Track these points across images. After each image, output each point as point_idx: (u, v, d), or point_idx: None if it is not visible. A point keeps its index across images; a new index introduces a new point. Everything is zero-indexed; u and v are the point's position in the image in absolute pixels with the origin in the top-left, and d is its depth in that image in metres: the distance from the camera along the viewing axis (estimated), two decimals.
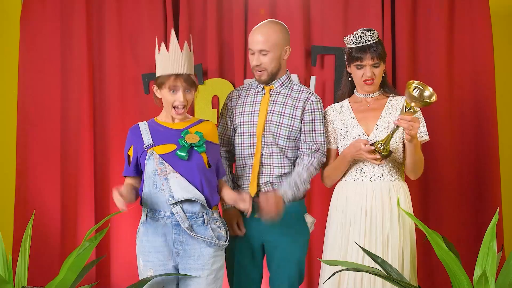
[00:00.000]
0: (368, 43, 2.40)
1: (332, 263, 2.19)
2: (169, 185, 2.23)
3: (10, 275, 2.37)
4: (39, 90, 3.37)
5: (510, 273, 2.06)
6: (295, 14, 3.29)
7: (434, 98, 2.18)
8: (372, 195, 2.39)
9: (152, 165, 2.25)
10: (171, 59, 2.29)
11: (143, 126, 2.34)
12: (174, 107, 2.29)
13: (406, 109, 2.21)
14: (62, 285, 2.18)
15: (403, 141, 2.45)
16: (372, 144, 2.32)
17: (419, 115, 2.41)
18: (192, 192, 2.23)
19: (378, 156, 2.31)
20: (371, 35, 2.40)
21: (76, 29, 3.36)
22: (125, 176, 2.35)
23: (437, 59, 3.25)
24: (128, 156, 2.32)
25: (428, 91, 2.19)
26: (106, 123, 3.39)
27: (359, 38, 2.41)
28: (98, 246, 3.32)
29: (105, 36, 3.39)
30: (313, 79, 3.25)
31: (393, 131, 2.30)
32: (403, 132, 2.43)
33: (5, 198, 3.47)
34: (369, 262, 2.29)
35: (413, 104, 2.19)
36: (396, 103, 2.47)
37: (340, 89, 2.61)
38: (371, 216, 2.37)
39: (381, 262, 2.15)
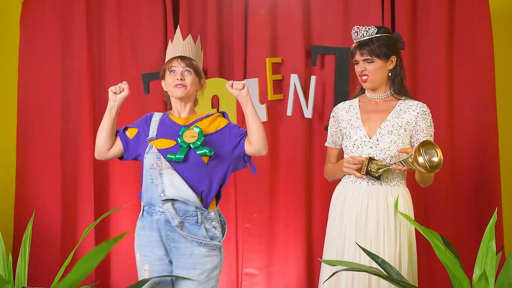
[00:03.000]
0: (362, 39, 2.41)
1: (331, 263, 2.19)
2: (162, 181, 2.22)
3: (10, 275, 2.38)
4: (39, 90, 3.37)
5: (510, 273, 2.07)
6: (295, 14, 3.28)
7: (438, 169, 2.22)
8: (368, 199, 2.38)
9: (150, 158, 2.26)
10: (172, 47, 2.34)
11: (156, 117, 2.35)
12: (176, 85, 2.28)
13: (409, 162, 2.26)
14: (72, 285, 2.18)
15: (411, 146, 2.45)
16: (370, 160, 2.33)
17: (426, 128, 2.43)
18: (184, 193, 2.21)
19: (362, 174, 2.34)
20: (366, 31, 2.40)
21: (76, 29, 3.36)
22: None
23: (437, 59, 3.25)
24: (128, 131, 2.35)
25: (438, 156, 2.22)
26: None
27: (355, 34, 2.44)
28: None
29: (105, 36, 3.39)
30: (313, 79, 3.25)
31: (387, 167, 2.33)
32: (411, 139, 2.42)
33: (5, 198, 3.47)
34: (365, 263, 2.29)
35: (419, 168, 2.22)
36: (406, 107, 2.43)
37: (357, 87, 2.61)
38: (366, 220, 2.36)
39: (381, 262, 2.15)
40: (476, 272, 2.00)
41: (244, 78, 3.31)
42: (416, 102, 2.45)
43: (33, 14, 3.37)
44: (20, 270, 2.38)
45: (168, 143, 2.27)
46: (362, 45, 2.40)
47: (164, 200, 2.22)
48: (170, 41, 2.36)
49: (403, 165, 2.28)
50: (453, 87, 3.26)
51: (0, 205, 3.50)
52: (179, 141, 2.25)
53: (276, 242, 3.32)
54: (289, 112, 3.28)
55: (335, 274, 2.24)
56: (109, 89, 2.26)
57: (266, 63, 3.27)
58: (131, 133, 2.35)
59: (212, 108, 3.31)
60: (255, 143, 2.27)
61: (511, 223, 3.33)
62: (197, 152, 2.24)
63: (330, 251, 2.45)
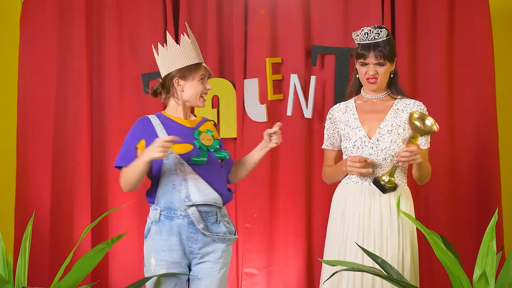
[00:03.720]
0: (374, 41, 2.36)
1: (332, 263, 2.19)
2: (187, 187, 2.23)
3: (10, 275, 2.37)
4: (39, 90, 3.38)
5: (510, 273, 2.06)
6: (295, 14, 3.28)
7: (435, 128, 2.20)
8: (371, 199, 2.37)
9: (171, 164, 2.24)
10: (194, 48, 2.32)
11: (155, 121, 2.30)
12: (201, 96, 2.32)
13: (411, 140, 2.24)
14: (72, 285, 2.18)
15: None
16: (376, 179, 2.31)
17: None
18: (209, 196, 2.25)
19: (369, 171, 2.34)
20: (378, 33, 2.36)
21: (76, 29, 3.36)
22: (120, 167, 2.27)
23: (437, 59, 3.25)
24: (136, 148, 2.27)
25: (429, 120, 2.20)
26: (105, 123, 3.39)
27: (366, 35, 2.37)
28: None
29: (105, 36, 3.39)
30: (313, 79, 3.25)
31: (396, 166, 2.30)
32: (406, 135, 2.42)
33: (5, 198, 3.47)
34: (368, 263, 2.28)
35: (419, 134, 2.21)
36: (403, 106, 2.42)
37: (349, 86, 2.59)
38: (369, 220, 2.35)
39: (381, 262, 2.15)
40: (476, 272, 2.00)
41: (244, 78, 3.31)
42: (412, 100, 2.45)
43: (33, 14, 3.37)
44: (20, 270, 2.37)
45: (187, 147, 2.27)
46: (375, 47, 2.35)
47: (189, 205, 2.23)
48: (186, 36, 2.32)
49: (405, 151, 2.23)
50: (453, 87, 3.25)
51: (0, 206, 3.50)
52: (197, 144, 2.27)
53: (276, 242, 3.32)
54: (289, 112, 3.28)
55: (337, 275, 2.24)
56: (161, 142, 2.11)
57: (266, 63, 3.27)
58: (141, 147, 2.27)
59: (212, 108, 3.31)
60: (235, 178, 2.48)
61: (511, 223, 3.33)
62: (216, 155, 2.30)
63: (331, 251, 2.44)
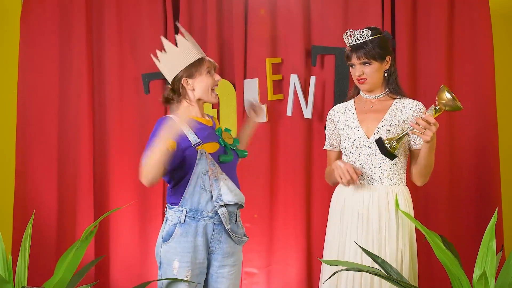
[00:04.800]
0: (356, 42, 2.38)
1: (331, 263, 2.19)
2: (218, 187, 2.24)
3: (10, 275, 2.37)
4: (39, 90, 3.38)
5: (510, 273, 2.07)
6: (295, 14, 3.29)
7: (461, 105, 2.17)
8: (370, 198, 2.37)
9: (204, 165, 2.23)
10: (192, 45, 2.32)
11: (180, 122, 2.24)
12: (213, 90, 2.34)
13: (434, 111, 2.18)
14: (59, 285, 2.19)
15: (409, 147, 2.44)
16: (381, 138, 2.25)
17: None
18: (238, 196, 2.28)
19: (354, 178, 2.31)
20: (360, 34, 2.38)
21: (76, 29, 3.36)
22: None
23: (437, 59, 3.25)
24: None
25: (456, 98, 2.17)
26: (106, 123, 3.39)
27: (349, 37, 2.41)
28: (98, 246, 3.33)
29: (105, 36, 3.39)
30: (313, 79, 3.25)
31: (405, 134, 2.25)
32: (408, 137, 2.41)
33: (4, 198, 3.47)
34: (366, 264, 2.28)
35: (445, 108, 2.16)
36: (402, 105, 2.42)
37: (350, 88, 2.61)
38: (368, 220, 2.36)
39: (381, 262, 2.15)
40: (476, 272, 2.00)
41: (244, 78, 3.31)
42: (411, 100, 2.45)
43: (33, 14, 3.38)
44: (20, 270, 2.38)
45: (215, 146, 2.29)
46: (357, 48, 2.38)
47: (220, 205, 2.24)
48: (181, 36, 2.31)
49: (423, 118, 2.17)
50: (453, 87, 3.25)
51: None
52: (222, 142, 2.29)
53: (276, 242, 3.32)
54: (289, 112, 3.29)
55: (336, 274, 2.24)
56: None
57: (266, 63, 3.27)
58: (171, 145, 2.21)
59: (212, 108, 3.31)
60: None
61: (511, 223, 3.33)
62: (239, 153, 2.33)
63: (330, 251, 2.45)
